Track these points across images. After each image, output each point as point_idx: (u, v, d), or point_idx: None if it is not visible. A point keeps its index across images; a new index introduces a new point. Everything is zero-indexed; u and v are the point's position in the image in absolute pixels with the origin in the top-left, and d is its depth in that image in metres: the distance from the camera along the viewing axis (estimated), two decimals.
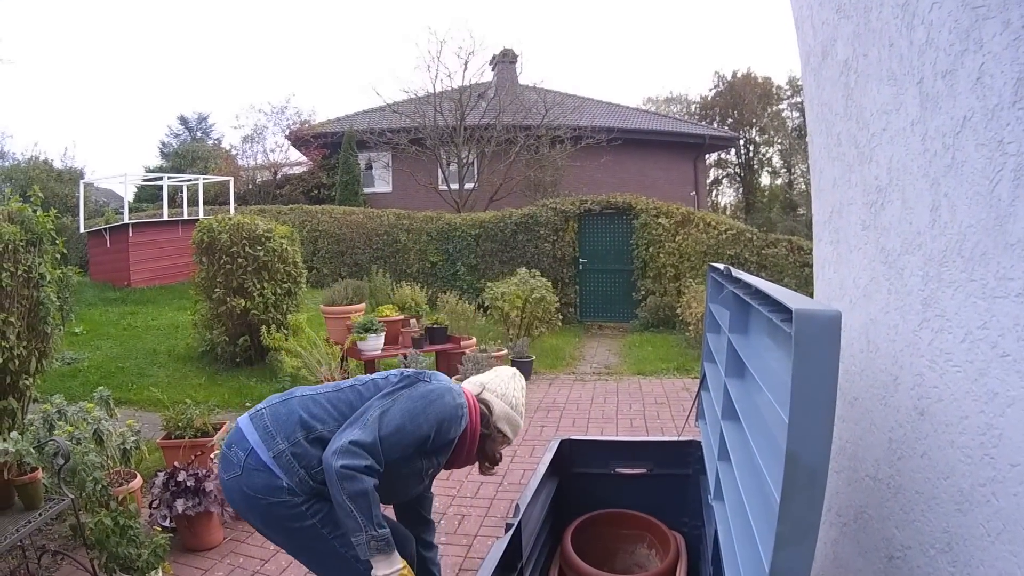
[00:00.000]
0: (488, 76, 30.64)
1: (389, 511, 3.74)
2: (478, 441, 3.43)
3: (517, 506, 3.08)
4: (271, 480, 3.07)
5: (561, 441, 3.68)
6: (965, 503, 1.58)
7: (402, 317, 10.44)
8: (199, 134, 51.74)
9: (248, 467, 3.10)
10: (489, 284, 13.86)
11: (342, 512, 2.92)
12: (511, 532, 2.77)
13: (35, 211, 6.51)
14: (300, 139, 30.33)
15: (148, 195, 33.48)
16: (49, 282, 6.54)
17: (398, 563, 2.96)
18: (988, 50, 1.49)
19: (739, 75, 59.54)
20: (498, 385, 3.54)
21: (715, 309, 3.02)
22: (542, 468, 3.39)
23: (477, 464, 3.61)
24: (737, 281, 2.45)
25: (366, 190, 28.89)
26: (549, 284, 13.60)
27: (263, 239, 10.96)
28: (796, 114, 55.37)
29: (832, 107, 2.71)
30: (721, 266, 2.88)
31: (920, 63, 1.83)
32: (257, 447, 3.12)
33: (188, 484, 5.22)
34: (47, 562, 4.92)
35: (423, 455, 3.24)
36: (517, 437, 3.66)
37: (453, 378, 3.80)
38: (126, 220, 20.49)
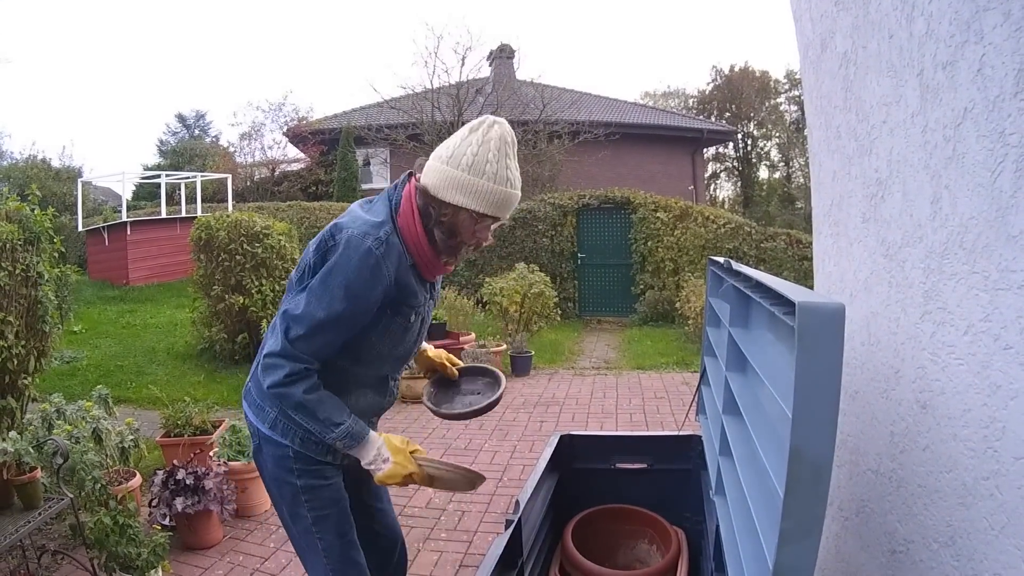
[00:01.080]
0: (485, 71, 30.62)
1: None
2: (432, 239, 2.74)
3: (517, 502, 3.01)
4: (278, 451, 2.90)
5: (561, 436, 3.63)
6: (968, 497, 1.58)
7: None
8: (197, 132, 51.77)
9: (257, 449, 2.99)
10: (487, 279, 13.82)
11: (301, 428, 2.81)
12: (511, 528, 2.75)
13: (33, 210, 6.51)
14: (298, 136, 30.31)
15: (146, 193, 33.48)
16: (47, 281, 6.55)
17: (374, 444, 2.77)
18: (989, 41, 1.48)
19: (737, 69, 59.52)
20: (443, 150, 2.69)
21: (715, 303, 3.00)
22: (542, 463, 3.34)
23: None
24: (737, 274, 2.44)
25: (364, 186, 28.85)
26: (548, 279, 13.56)
27: (261, 236, 10.95)
28: (794, 108, 55.38)
29: (831, 99, 2.71)
30: (721, 259, 2.87)
31: (920, 55, 1.82)
32: (257, 424, 2.93)
33: (187, 482, 5.21)
34: (47, 562, 4.92)
35: (382, 313, 2.76)
36: (500, 210, 2.70)
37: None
38: (124, 218, 20.53)
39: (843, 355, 1.34)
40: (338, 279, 2.60)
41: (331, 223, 2.78)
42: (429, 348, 3.45)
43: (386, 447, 2.78)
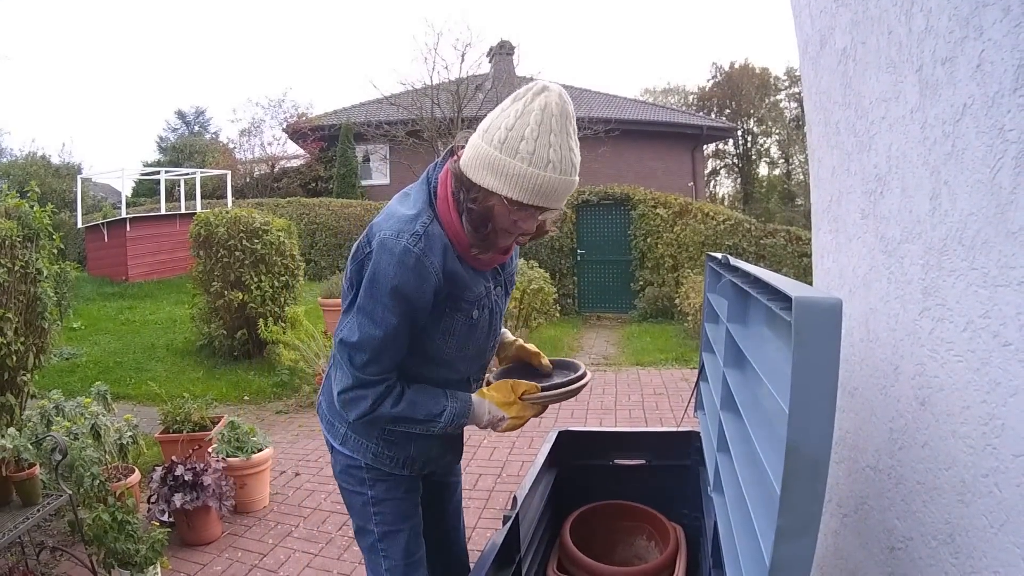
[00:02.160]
0: (485, 68, 30.57)
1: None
2: (469, 227, 2.39)
3: (515, 498, 2.99)
4: (349, 461, 2.81)
5: (559, 432, 3.62)
6: (967, 494, 1.57)
7: None
8: (196, 128, 51.87)
9: (334, 465, 2.90)
10: None
11: (373, 443, 2.73)
12: (509, 524, 2.74)
13: (32, 206, 6.51)
14: (297, 132, 30.32)
15: (146, 190, 33.53)
16: (46, 277, 6.55)
17: (482, 410, 2.65)
18: (988, 37, 1.47)
19: (737, 66, 59.73)
20: (485, 121, 2.35)
21: (713, 299, 3.00)
22: (540, 459, 3.33)
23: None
24: (735, 270, 2.43)
25: (364, 182, 28.90)
26: (547, 275, 13.57)
27: (260, 232, 10.96)
28: (794, 105, 55.50)
29: (830, 95, 2.70)
30: (719, 255, 2.86)
31: (919, 50, 1.82)
32: (331, 440, 2.86)
33: (186, 479, 5.21)
34: (46, 558, 4.92)
35: (439, 311, 2.51)
36: (540, 198, 2.25)
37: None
38: (124, 215, 20.50)
39: (840, 351, 1.33)
40: (384, 289, 2.35)
41: (368, 224, 2.51)
42: (518, 339, 3.14)
43: (494, 405, 2.65)
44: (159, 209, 22.62)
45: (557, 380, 2.83)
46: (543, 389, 2.70)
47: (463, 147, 2.41)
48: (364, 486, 2.78)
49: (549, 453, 3.38)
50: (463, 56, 27.27)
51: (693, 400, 3.61)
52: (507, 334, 3.12)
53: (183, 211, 21.90)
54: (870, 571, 2.19)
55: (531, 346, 3.09)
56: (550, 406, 2.80)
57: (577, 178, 2.33)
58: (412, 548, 2.81)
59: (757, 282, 2.01)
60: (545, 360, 3.05)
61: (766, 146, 61.35)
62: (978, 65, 1.52)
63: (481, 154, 2.26)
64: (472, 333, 2.63)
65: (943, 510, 1.69)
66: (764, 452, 1.67)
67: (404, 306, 2.38)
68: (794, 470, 1.36)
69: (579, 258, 18.93)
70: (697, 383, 3.48)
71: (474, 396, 2.67)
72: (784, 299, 1.48)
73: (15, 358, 6.15)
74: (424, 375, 2.66)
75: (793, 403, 1.34)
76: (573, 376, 2.83)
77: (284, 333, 9.57)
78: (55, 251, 6.95)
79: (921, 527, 1.80)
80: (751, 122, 59.76)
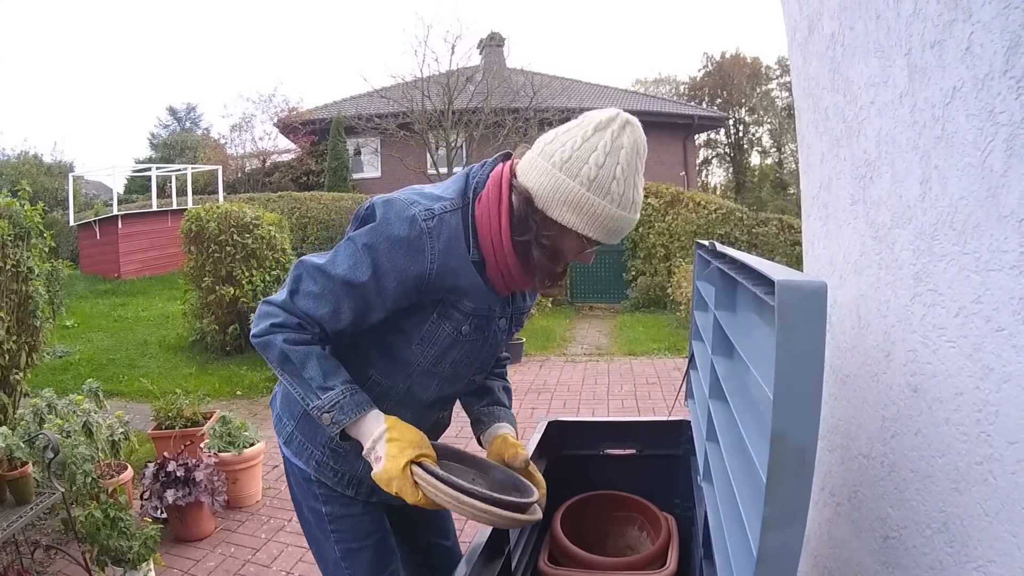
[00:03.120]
0: (475, 60, 30.64)
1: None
2: (526, 256, 2.17)
3: None
4: (300, 474, 2.51)
5: (549, 423, 3.58)
6: (961, 482, 1.56)
7: None
8: (188, 124, 51.86)
9: (286, 475, 2.61)
10: None
11: (311, 446, 2.43)
12: None
13: (23, 205, 6.50)
14: (288, 126, 30.33)
15: (138, 186, 33.51)
16: (38, 276, 6.55)
17: (373, 429, 2.12)
18: (977, 19, 1.46)
19: (728, 56, 59.77)
20: (556, 147, 2.11)
21: (701, 286, 2.98)
22: (530, 450, 3.30)
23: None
24: (722, 256, 2.42)
25: (355, 176, 28.97)
26: None
27: (251, 227, 10.94)
28: (786, 94, 55.49)
29: (819, 81, 2.69)
30: (707, 242, 2.86)
31: (908, 34, 1.81)
32: (277, 437, 2.58)
33: (178, 474, 5.21)
34: (40, 557, 4.91)
35: (423, 309, 2.25)
36: (616, 237, 2.16)
37: None
38: (115, 212, 20.51)
39: (829, 337, 1.32)
40: (369, 239, 2.08)
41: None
42: (510, 434, 2.65)
43: (384, 441, 2.10)
44: (151, 206, 22.59)
45: (487, 489, 2.12)
46: (454, 488, 2.04)
47: (518, 158, 2.25)
48: (318, 501, 2.49)
49: (539, 443, 3.36)
50: (453, 48, 27.41)
51: (683, 389, 3.60)
52: (504, 427, 2.68)
53: (175, 207, 21.90)
54: (864, 560, 2.18)
55: (516, 443, 2.59)
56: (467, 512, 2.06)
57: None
58: (380, 565, 2.52)
59: (743, 268, 2.00)
60: (520, 460, 2.50)
61: (758, 135, 61.47)
62: (967, 48, 1.50)
63: (564, 189, 2.05)
64: (453, 350, 2.32)
65: (937, 498, 1.68)
66: (751, 440, 1.65)
67: (376, 269, 2.09)
68: (780, 458, 1.35)
69: None
70: (687, 372, 3.47)
71: (380, 413, 2.18)
72: (769, 284, 1.46)
73: (7, 357, 6.16)
74: (380, 385, 2.36)
75: (778, 389, 1.32)
76: (505, 498, 2.12)
77: None
78: (46, 249, 6.95)
79: (915, 516, 1.79)
80: (743, 111, 59.83)
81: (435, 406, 2.55)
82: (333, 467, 2.44)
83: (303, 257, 2.22)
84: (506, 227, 2.14)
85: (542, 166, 2.10)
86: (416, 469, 2.07)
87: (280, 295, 2.19)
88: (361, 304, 2.15)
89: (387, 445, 2.08)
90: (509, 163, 2.24)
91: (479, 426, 2.72)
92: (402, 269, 2.09)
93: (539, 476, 2.57)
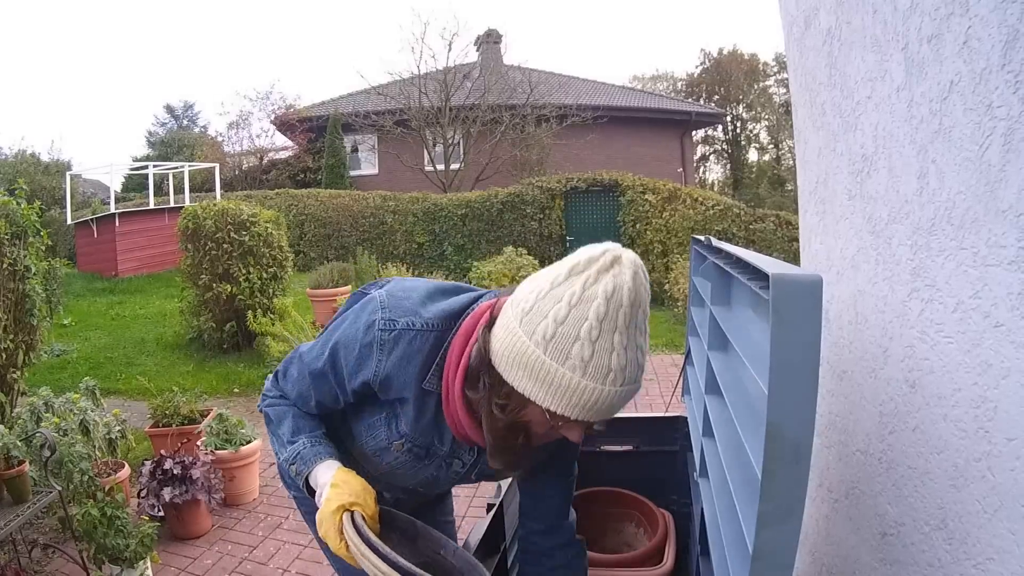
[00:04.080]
0: (472, 57, 30.66)
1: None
2: (490, 436, 1.90)
3: (499, 485, 2.94)
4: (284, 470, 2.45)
5: None
6: (960, 479, 1.55)
7: None
8: (185, 122, 51.86)
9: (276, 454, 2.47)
10: (475, 263, 13.84)
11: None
12: (493, 512, 2.71)
13: (20, 204, 6.49)
14: (285, 124, 30.26)
15: (136, 184, 33.52)
16: (35, 274, 6.53)
17: (324, 475, 2.05)
18: (975, 13, 1.45)
19: (725, 52, 59.73)
20: (528, 287, 1.77)
21: (698, 282, 2.98)
22: None
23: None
24: (718, 251, 2.41)
25: (352, 173, 28.93)
26: (536, 262, 13.59)
27: (248, 224, 10.91)
28: (783, 90, 55.51)
29: (816, 76, 2.68)
30: (703, 237, 2.85)
31: (905, 28, 1.80)
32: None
33: (175, 472, 5.21)
34: (38, 555, 4.91)
35: (374, 409, 2.15)
36: (594, 413, 1.71)
37: None
38: (113, 210, 20.49)
39: (827, 333, 1.31)
40: (337, 334, 2.03)
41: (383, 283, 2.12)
42: None
43: (328, 486, 2.02)
44: (148, 204, 22.55)
45: (411, 562, 1.78)
46: (368, 545, 1.83)
47: (504, 300, 1.88)
48: (300, 491, 2.31)
49: None
50: (450, 45, 27.50)
51: (680, 385, 3.59)
52: None
53: (172, 205, 21.85)
54: (862, 557, 2.17)
55: None
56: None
57: (642, 381, 1.76)
58: None
59: (739, 263, 1.99)
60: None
61: (755, 132, 61.47)
62: (964, 42, 1.50)
63: (519, 348, 1.71)
64: (387, 455, 2.22)
65: (935, 495, 1.67)
66: (746, 436, 1.64)
67: (330, 364, 2.05)
68: (775, 454, 1.34)
69: (568, 245, 18.97)
70: (684, 368, 3.46)
71: (335, 463, 2.12)
72: (764, 278, 1.45)
73: (4, 355, 6.16)
74: (355, 454, 2.31)
75: (772, 384, 1.31)
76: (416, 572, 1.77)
77: (273, 324, 9.57)
78: (43, 248, 6.94)
79: (913, 512, 1.79)
80: (740, 108, 59.83)
81: (414, 492, 2.45)
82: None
83: (301, 344, 2.23)
84: (460, 377, 1.92)
85: (508, 315, 1.77)
86: (344, 517, 1.94)
87: (275, 373, 2.29)
88: (326, 390, 2.11)
89: (329, 490, 1.99)
90: (497, 304, 1.91)
91: None
92: (352, 370, 2.00)
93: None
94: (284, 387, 2.22)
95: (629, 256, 1.68)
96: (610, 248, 1.69)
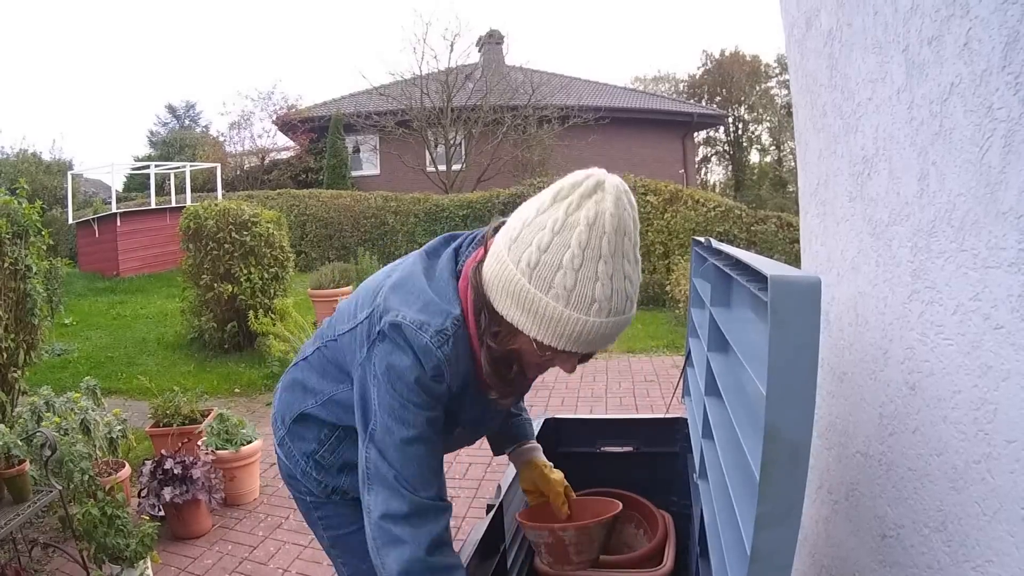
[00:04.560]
0: (474, 57, 30.72)
1: None
2: (488, 366, 1.94)
3: (499, 486, 2.90)
4: (285, 468, 2.50)
5: (545, 420, 3.55)
6: (959, 480, 1.55)
7: None
8: (187, 122, 51.91)
9: (276, 452, 2.55)
10: None
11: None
12: (492, 513, 2.70)
13: (21, 203, 6.49)
14: (287, 124, 30.30)
15: (137, 184, 33.53)
16: (36, 274, 6.54)
17: None
18: (975, 15, 1.45)
19: (727, 53, 59.80)
20: (517, 216, 1.79)
21: (698, 283, 2.98)
22: None
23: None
24: (718, 253, 2.41)
25: (354, 173, 28.98)
26: None
27: (249, 224, 10.91)
28: (785, 92, 55.50)
29: (816, 78, 2.68)
30: (703, 239, 2.84)
31: (905, 30, 1.80)
32: (273, 431, 2.56)
33: (175, 472, 5.20)
34: (38, 555, 4.91)
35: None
36: (582, 345, 1.74)
37: None
38: (114, 210, 20.49)
39: (828, 335, 1.31)
40: (407, 382, 1.88)
41: (378, 287, 2.03)
42: (546, 464, 2.70)
43: None
44: (149, 204, 22.57)
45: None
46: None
47: (492, 235, 1.89)
48: (303, 492, 2.48)
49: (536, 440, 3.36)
50: (452, 46, 27.50)
51: (680, 386, 3.59)
52: (534, 452, 2.72)
53: (173, 205, 21.85)
54: (862, 558, 2.17)
55: (561, 479, 2.66)
56: None
57: (634, 311, 1.78)
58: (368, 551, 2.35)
59: (738, 264, 1.98)
60: (566, 509, 2.60)
61: (757, 133, 61.53)
62: (965, 43, 1.50)
63: (506, 276, 1.72)
64: (448, 438, 2.17)
65: (935, 497, 1.67)
66: (745, 437, 1.64)
67: (431, 398, 1.92)
68: (773, 456, 1.34)
69: None
70: (684, 369, 3.46)
71: None
72: (763, 280, 1.44)
73: (5, 355, 6.17)
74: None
75: (771, 386, 1.31)
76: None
77: (274, 325, 9.57)
78: (45, 247, 6.94)
79: (912, 514, 1.79)
80: (742, 109, 59.87)
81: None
82: (316, 477, 2.41)
83: (369, 459, 1.98)
84: (472, 320, 1.92)
85: (499, 243, 1.78)
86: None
87: (399, 503, 1.94)
88: (440, 436, 2.02)
89: None
90: (487, 243, 1.91)
91: (504, 440, 2.74)
92: (437, 397, 1.93)
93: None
94: (427, 494, 1.97)
95: (613, 181, 1.71)
96: (593, 173, 1.72)
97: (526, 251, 1.67)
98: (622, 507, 3.02)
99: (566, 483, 2.64)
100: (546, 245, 1.65)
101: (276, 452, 2.55)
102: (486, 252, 1.85)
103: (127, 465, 5.80)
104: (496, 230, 1.88)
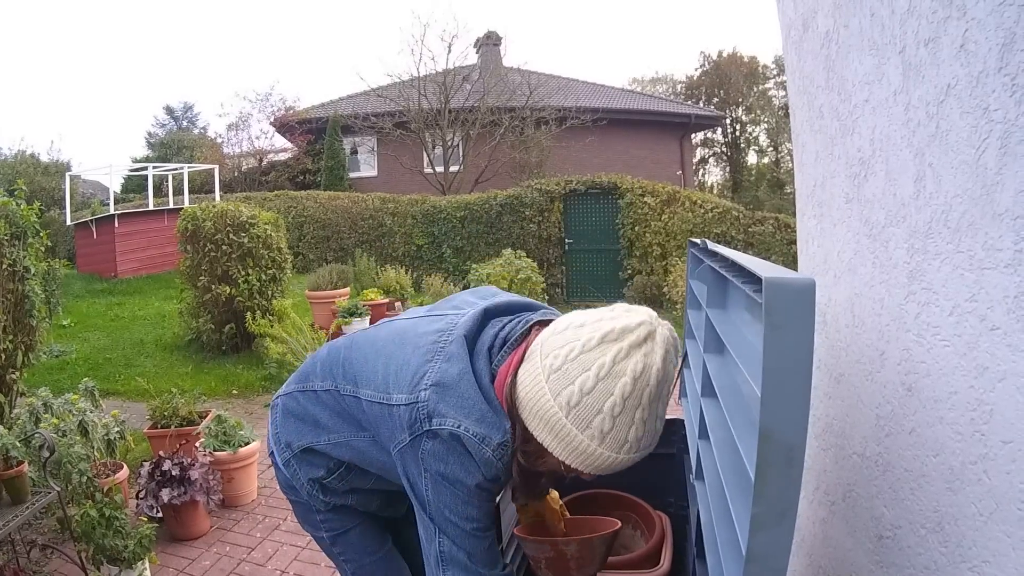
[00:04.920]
0: (472, 59, 30.70)
1: None
2: (517, 476, 2.01)
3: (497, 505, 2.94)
4: (286, 480, 2.50)
5: None
6: (956, 481, 1.55)
7: (387, 300, 10.45)
8: (185, 123, 51.70)
9: (273, 460, 2.53)
10: (474, 266, 13.85)
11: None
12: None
13: (19, 204, 6.50)
14: (285, 125, 30.27)
15: (135, 186, 33.47)
16: (34, 275, 6.54)
17: None
18: (972, 16, 1.45)
19: (725, 55, 59.70)
20: (558, 340, 1.80)
21: (694, 285, 2.98)
22: None
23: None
24: (714, 254, 2.41)
25: (351, 175, 28.96)
26: (535, 265, 13.59)
27: (247, 226, 10.94)
28: (783, 93, 55.44)
29: (813, 79, 2.69)
30: (699, 240, 2.85)
31: (902, 32, 1.80)
32: (273, 446, 2.51)
33: (173, 473, 5.21)
34: (37, 556, 4.91)
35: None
36: (608, 471, 1.85)
37: None
38: (112, 211, 20.49)
39: (824, 337, 1.31)
40: (467, 486, 1.93)
41: (417, 372, 1.98)
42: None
43: None
44: (147, 205, 22.55)
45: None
46: None
47: (536, 333, 1.92)
48: (304, 499, 2.49)
49: None
50: (450, 47, 27.55)
51: (677, 387, 3.59)
52: None
53: (171, 206, 21.83)
54: (859, 559, 2.17)
55: (556, 498, 2.61)
56: None
57: (657, 440, 1.88)
58: (371, 545, 2.54)
59: (734, 266, 1.99)
60: (562, 525, 2.56)
61: (755, 134, 61.46)
62: (962, 45, 1.50)
63: (543, 405, 1.76)
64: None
65: (931, 498, 1.67)
66: (740, 439, 1.64)
67: (491, 495, 2.01)
68: (768, 457, 1.34)
69: (567, 247, 19.01)
70: (680, 370, 3.46)
71: None
72: (758, 281, 1.45)
73: (3, 356, 6.17)
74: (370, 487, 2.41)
75: (765, 387, 1.31)
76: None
77: (271, 326, 9.58)
78: (43, 249, 6.95)
79: (909, 515, 1.79)
80: (739, 111, 59.84)
81: None
82: (321, 498, 2.43)
83: (442, 545, 2.01)
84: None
85: (535, 365, 1.81)
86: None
87: None
88: (492, 519, 2.07)
89: None
90: (524, 344, 1.95)
91: None
92: (495, 492, 2.02)
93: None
94: (498, 571, 2.08)
95: (663, 333, 1.77)
96: (646, 320, 1.77)
97: (567, 388, 1.71)
98: (620, 508, 3.02)
99: (561, 502, 2.63)
100: (589, 389, 1.69)
101: (276, 465, 2.52)
102: (522, 359, 1.88)
103: (125, 466, 5.81)
104: (528, 331, 1.96)
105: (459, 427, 1.87)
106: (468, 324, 2.04)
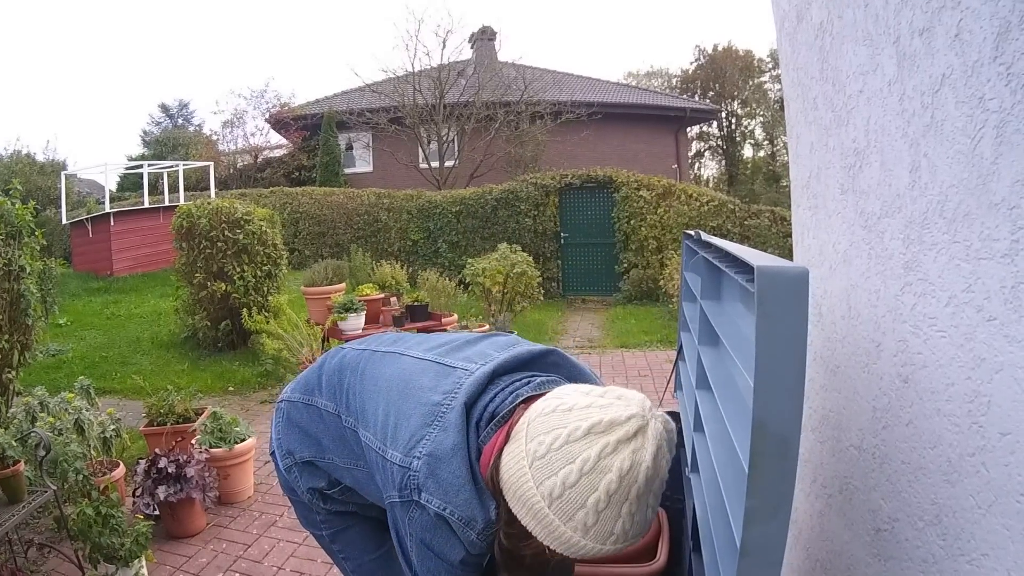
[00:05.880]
0: (467, 54, 30.70)
1: None
2: (500, 556, 1.94)
3: None
4: (286, 482, 2.53)
5: None
6: (953, 473, 1.54)
7: (382, 295, 10.40)
8: (180, 121, 51.70)
9: (275, 461, 2.56)
10: (470, 260, 13.82)
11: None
12: None
13: (14, 204, 6.49)
14: (280, 122, 30.26)
15: (131, 184, 33.44)
16: (30, 274, 6.54)
17: None
18: (966, 5, 1.44)
19: (720, 48, 59.68)
20: (543, 426, 1.72)
21: (689, 276, 2.96)
22: None
23: None
24: (707, 246, 2.40)
25: (347, 170, 28.95)
26: (530, 259, 13.55)
27: (242, 222, 10.94)
28: (778, 87, 55.36)
29: (808, 71, 2.68)
30: (693, 232, 2.84)
31: (896, 22, 1.79)
32: (276, 449, 2.53)
33: (169, 471, 5.20)
34: (34, 555, 4.91)
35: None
36: (589, 557, 1.75)
37: None
38: (107, 209, 20.47)
39: (808, 322, 1.29)
40: (452, 561, 1.93)
41: (415, 435, 1.95)
42: None
43: None
44: (143, 203, 22.52)
45: None
46: None
47: (521, 413, 1.84)
48: (300, 496, 2.52)
49: None
50: (444, 42, 27.46)
51: (672, 380, 3.58)
52: None
53: (167, 204, 21.82)
54: (856, 553, 2.16)
55: None
56: None
57: (648, 528, 1.79)
58: (371, 545, 2.54)
59: (727, 256, 1.98)
60: None
61: (750, 128, 61.49)
62: (956, 35, 1.49)
63: (526, 492, 1.69)
64: None
65: (929, 490, 1.66)
66: (735, 431, 1.63)
67: (475, 568, 1.96)
68: (761, 449, 1.32)
69: (562, 241, 18.99)
70: (676, 363, 3.45)
71: None
72: (750, 271, 1.43)
73: (0, 356, 6.14)
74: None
75: (758, 378, 1.30)
76: None
77: (267, 323, 9.56)
78: (38, 248, 6.94)
79: (907, 508, 1.78)
80: (735, 104, 59.85)
81: None
82: (323, 506, 2.47)
83: None
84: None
85: (520, 448, 1.74)
86: None
87: None
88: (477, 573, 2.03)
89: None
90: (510, 422, 1.86)
91: None
92: (478, 565, 1.98)
93: None
94: None
95: (656, 427, 1.68)
96: (637, 414, 1.67)
97: (550, 479, 1.64)
98: None
99: None
100: (572, 483, 1.62)
101: (277, 467, 2.53)
102: (507, 439, 1.80)
103: (121, 464, 5.80)
104: (516, 408, 1.88)
105: (445, 510, 1.85)
106: (471, 389, 1.98)
